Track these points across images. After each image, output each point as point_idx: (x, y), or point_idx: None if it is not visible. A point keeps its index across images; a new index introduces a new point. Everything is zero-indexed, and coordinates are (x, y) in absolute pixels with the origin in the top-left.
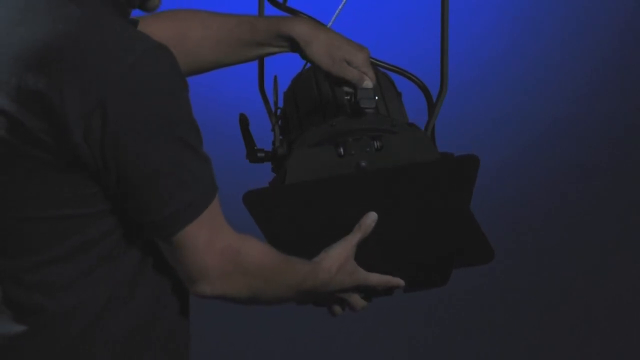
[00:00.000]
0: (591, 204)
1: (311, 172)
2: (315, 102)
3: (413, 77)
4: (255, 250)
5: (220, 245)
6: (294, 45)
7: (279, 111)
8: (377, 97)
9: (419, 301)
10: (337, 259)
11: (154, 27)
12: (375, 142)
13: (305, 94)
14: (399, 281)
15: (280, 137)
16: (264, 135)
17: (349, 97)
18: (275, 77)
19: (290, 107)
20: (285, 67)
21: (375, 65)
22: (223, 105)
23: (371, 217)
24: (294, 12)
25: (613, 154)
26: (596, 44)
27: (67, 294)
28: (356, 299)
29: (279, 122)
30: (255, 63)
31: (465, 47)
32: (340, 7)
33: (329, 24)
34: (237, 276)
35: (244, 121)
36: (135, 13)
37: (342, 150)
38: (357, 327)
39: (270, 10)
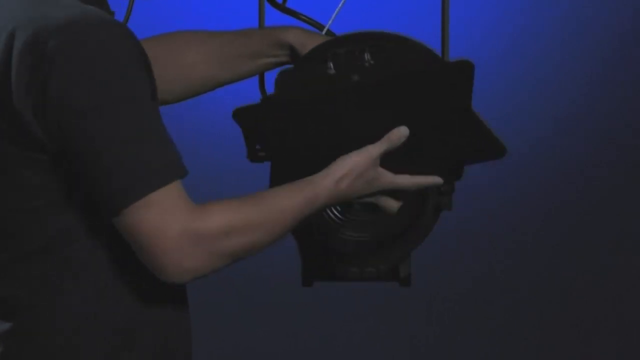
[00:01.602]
0: (591, 204)
1: (300, 89)
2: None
3: None
4: (216, 219)
5: (174, 226)
6: (293, 53)
7: None
8: None
9: (419, 301)
10: (351, 167)
11: (153, 52)
12: (366, 55)
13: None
14: (432, 179)
15: None
16: None
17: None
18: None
19: None
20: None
21: None
22: (223, 105)
23: (402, 131)
24: (293, 14)
25: (614, 154)
26: (597, 43)
27: (48, 289)
28: (387, 202)
29: None
30: None
31: (465, 46)
32: (338, 7)
33: (328, 24)
34: (201, 253)
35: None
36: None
37: (331, 64)
38: (359, 327)
39: (270, 11)
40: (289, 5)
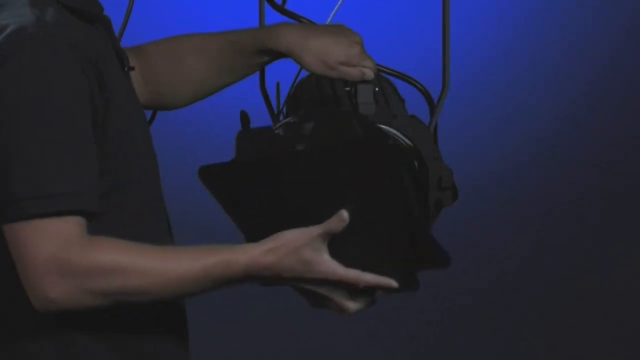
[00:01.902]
0: (592, 204)
1: (251, 152)
2: (316, 100)
3: (415, 82)
4: (93, 255)
5: (43, 254)
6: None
7: (281, 117)
8: (377, 89)
9: (419, 300)
10: (284, 242)
11: (154, 60)
12: (310, 124)
13: (306, 96)
14: (385, 280)
15: None
16: None
17: (348, 89)
18: (278, 83)
19: (292, 110)
20: (287, 70)
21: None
22: (223, 105)
23: (342, 215)
24: (293, 16)
25: (614, 154)
26: (597, 44)
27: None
28: (342, 302)
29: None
30: None
31: (466, 46)
32: (336, 7)
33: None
34: (67, 286)
35: (245, 119)
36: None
37: (280, 131)
38: (359, 327)
39: (270, 11)
40: (288, 6)
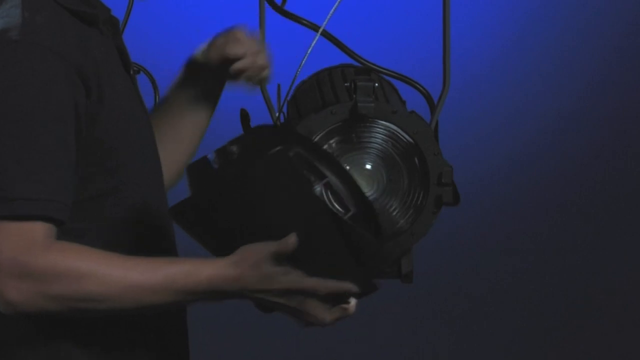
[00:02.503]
0: (593, 205)
1: (196, 185)
2: (315, 97)
3: (415, 84)
4: (53, 259)
5: (5, 257)
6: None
7: (282, 117)
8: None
9: (419, 299)
10: (247, 257)
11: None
12: (234, 148)
13: (306, 95)
14: (346, 285)
15: None
16: None
17: (347, 85)
18: (279, 85)
19: (292, 111)
20: (287, 70)
21: (376, 72)
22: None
23: (290, 239)
24: (293, 16)
25: (615, 154)
26: (597, 45)
27: None
28: (313, 309)
29: None
30: None
31: (467, 45)
32: (334, 7)
33: (323, 25)
34: (25, 290)
35: (245, 117)
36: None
37: (211, 159)
38: (359, 326)
39: (270, 12)
40: (288, 6)
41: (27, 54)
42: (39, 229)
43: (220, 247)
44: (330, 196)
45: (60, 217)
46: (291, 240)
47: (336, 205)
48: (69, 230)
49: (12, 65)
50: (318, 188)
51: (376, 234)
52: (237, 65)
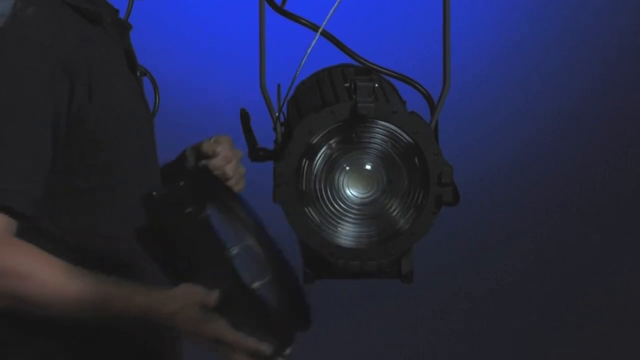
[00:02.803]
0: (593, 204)
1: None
2: (315, 97)
3: (415, 84)
4: (3, 257)
5: None
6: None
7: (282, 117)
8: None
9: (420, 299)
10: (181, 295)
11: None
12: (157, 196)
13: (305, 95)
14: (261, 346)
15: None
16: (267, 137)
17: (347, 85)
18: (279, 85)
19: (292, 110)
20: (287, 70)
21: (376, 72)
22: (223, 105)
23: (212, 294)
24: (292, 17)
25: (616, 154)
26: (599, 44)
27: None
28: (239, 358)
29: (282, 128)
30: (256, 61)
31: (467, 45)
32: (334, 7)
33: (323, 25)
34: None
35: (245, 117)
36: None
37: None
38: (359, 326)
39: (270, 12)
40: (288, 6)
41: (10, 44)
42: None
43: (169, 272)
44: (245, 260)
45: (21, 210)
46: (213, 297)
47: (249, 271)
48: (67, 226)
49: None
50: (234, 251)
51: (288, 299)
52: (206, 163)
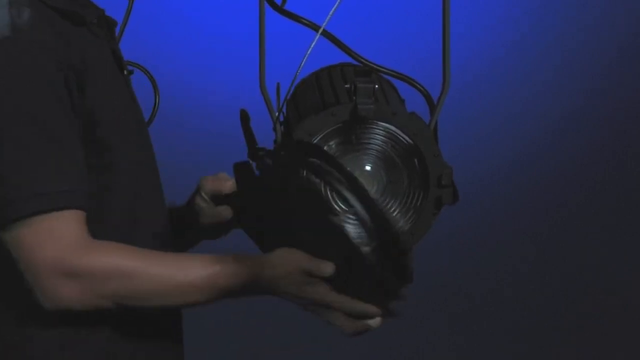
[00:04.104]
0: (593, 204)
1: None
2: (315, 97)
3: (415, 83)
4: (100, 258)
5: (49, 255)
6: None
7: (281, 117)
8: (376, 86)
9: (420, 299)
10: (282, 263)
11: None
12: (269, 160)
13: (305, 95)
14: (371, 309)
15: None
16: (267, 137)
17: (347, 86)
18: (278, 83)
19: (292, 110)
20: (287, 70)
21: (376, 71)
22: (224, 106)
23: (325, 267)
24: (293, 16)
25: (616, 153)
26: (599, 44)
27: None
28: (335, 318)
29: (281, 128)
30: (256, 61)
31: (467, 45)
32: (334, 7)
33: (323, 25)
34: (74, 287)
35: (244, 117)
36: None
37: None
38: None
39: (270, 12)
40: (288, 6)
41: (22, 51)
42: (75, 223)
43: (260, 236)
44: (354, 226)
45: (86, 207)
46: (327, 268)
47: (361, 237)
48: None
49: (8, 63)
50: (343, 216)
51: (400, 265)
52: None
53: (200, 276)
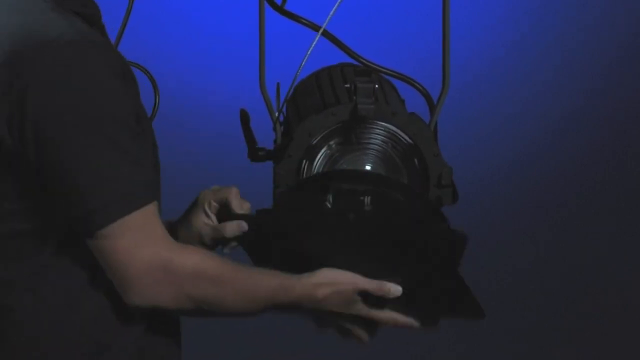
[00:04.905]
0: (593, 204)
1: (295, 212)
2: (315, 97)
3: (414, 83)
4: (192, 260)
5: (147, 252)
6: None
7: (281, 117)
8: (376, 86)
9: None
10: (333, 280)
11: None
12: (367, 199)
13: (305, 95)
14: (410, 321)
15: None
16: (267, 137)
17: (348, 86)
18: (278, 83)
19: (292, 110)
20: (287, 70)
21: (376, 71)
22: (224, 106)
23: (395, 289)
24: (293, 16)
25: (616, 153)
26: (599, 44)
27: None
28: (359, 332)
29: (281, 128)
30: (256, 61)
31: (467, 45)
32: (335, 7)
33: (324, 25)
34: (168, 285)
35: (244, 117)
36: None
37: (331, 197)
38: None
39: (270, 12)
40: (288, 6)
41: (97, 53)
42: (155, 213)
43: (285, 264)
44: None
45: (158, 193)
46: (392, 289)
47: None
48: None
49: (88, 65)
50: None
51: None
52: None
53: (263, 288)
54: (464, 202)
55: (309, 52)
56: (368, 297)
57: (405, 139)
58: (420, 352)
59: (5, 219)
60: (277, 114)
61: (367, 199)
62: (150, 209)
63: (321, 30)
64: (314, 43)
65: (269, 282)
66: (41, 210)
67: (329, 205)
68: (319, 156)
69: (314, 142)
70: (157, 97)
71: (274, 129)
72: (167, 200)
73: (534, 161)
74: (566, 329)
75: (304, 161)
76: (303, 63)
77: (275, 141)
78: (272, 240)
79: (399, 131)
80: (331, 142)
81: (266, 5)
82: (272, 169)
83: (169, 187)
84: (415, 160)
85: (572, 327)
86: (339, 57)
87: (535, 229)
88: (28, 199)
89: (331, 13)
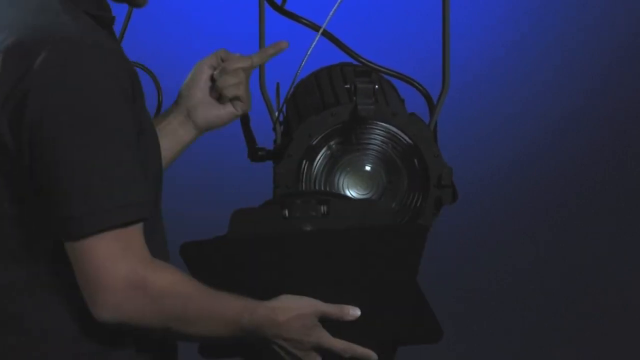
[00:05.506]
0: (593, 204)
1: (252, 229)
2: (315, 97)
3: (414, 83)
4: (167, 279)
5: (124, 267)
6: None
7: (281, 116)
8: (376, 87)
9: None
10: (296, 307)
11: None
12: (322, 207)
13: (305, 95)
14: (367, 352)
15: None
16: (267, 137)
17: (348, 87)
18: (278, 83)
19: (291, 110)
20: (287, 70)
21: (376, 71)
22: None
23: (353, 311)
24: (292, 16)
25: (616, 153)
26: (599, 44)
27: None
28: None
29: (281, 128)
30: None
31: (467, 45)
32: (335, 7)
33: (324, 25)
34: (140, 303)
35: (244, 117)
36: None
37: (287, 212)
38: None
39: (270, 12)
40: (288, 6)
41: (106, 60)
42: (141, 231)
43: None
44: None
45: (149, 213)
46: (351, 312)
47: None
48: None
49: (96, 72)
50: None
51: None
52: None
53: (230, 310)
54: (464, 202)
55: (309, 52)
56: (326, 324)
57: (405, 140)
58: (420, 352)
59: (4, 222)
60: (277, 114)
61: (323, 208)
62: (140, 227)
63: (321, 30)
64: (314, 43)
65: (235, 303)
66: (39, 214)
67: (284, 221)
68: (319, 156)
69: (314, 142)
70: (160, 96)
71: (274, 129)
72: (167, 201)
73: (534, 161)
74: (566, 329)
75: (304, 161)
76: (303, 63)
77: (275, 141)
78: (230, 270)
79: (399, 132)
80: (331, 143)
81: (266, 5)
82: (272, 169)
83: (169, 187)
84: (415, 160)
85: (572, 327)
86: (339, 57)
87: (535, 229)
88: (26, 203)
89: (331, 13)
